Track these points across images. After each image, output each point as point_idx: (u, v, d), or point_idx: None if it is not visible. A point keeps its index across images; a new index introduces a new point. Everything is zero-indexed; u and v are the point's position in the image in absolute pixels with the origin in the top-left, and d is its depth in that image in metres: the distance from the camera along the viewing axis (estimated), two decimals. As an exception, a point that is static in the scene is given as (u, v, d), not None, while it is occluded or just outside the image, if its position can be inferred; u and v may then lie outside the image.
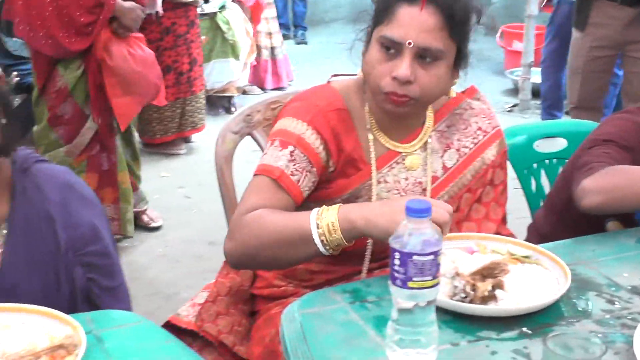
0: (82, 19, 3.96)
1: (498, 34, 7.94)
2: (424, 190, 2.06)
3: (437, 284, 1.43)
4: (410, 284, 1.41)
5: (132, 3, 4.08)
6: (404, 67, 1.86)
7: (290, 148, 1.94)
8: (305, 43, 9.66)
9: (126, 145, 4.46)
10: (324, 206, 1.80)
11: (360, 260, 2.04)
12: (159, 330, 1.62)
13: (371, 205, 1.82)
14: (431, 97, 1.96)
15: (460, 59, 1.97)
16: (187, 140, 6.01)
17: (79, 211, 1.78)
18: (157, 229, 4.70)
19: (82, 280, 1.76)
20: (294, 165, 1.93)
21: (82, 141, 4.20)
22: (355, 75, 2.07)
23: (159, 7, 5.00)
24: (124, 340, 1.55)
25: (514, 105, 6.97)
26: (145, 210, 4.71)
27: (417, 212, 1.40)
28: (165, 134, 5.80)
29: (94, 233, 1.79)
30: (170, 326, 2.16)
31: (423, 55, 1.88)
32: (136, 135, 4.58)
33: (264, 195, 1.90)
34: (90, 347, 1.45)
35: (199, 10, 5.88)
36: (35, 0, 3.92)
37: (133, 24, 4.08)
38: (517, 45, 7.51)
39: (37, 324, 1.53)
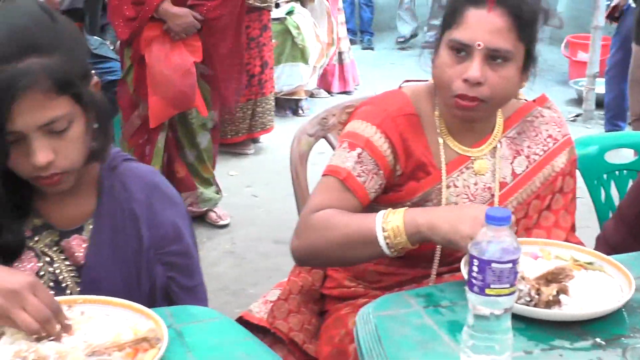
0: (127, 12, 4.06)
1: (563, 44, 7.83)
2: (493, 195, 2.04)
3: (514, 292, 1.41)
4: (487, 291, 1.39)
5: (184, 10, 4.09)
6: (474, 68, 1.85)
7: (358, 150, 1.94)
8: (372, 48, 9.63)
9: (191, 146, 4.49)
10: (390, 209, 1.80)
11: (429, 263, 2.02)
12: (236, 326, 1.62)
13: (437, 211, 1.82)
14: (501, 99, 1.95)
15: (529, 61, 1.95)
16: (255, 140, 6.03)
17: (162, 211, 1.78)
18: (224, 226, 4.71)
19: (162, 278, 1.77)
20: (361, 167, 1.93)
21: (130, 128, 4.26)
22: (427, 81, 2.06)
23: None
24: (203, 335, 1.55)
25: (577, 115, 6.87)
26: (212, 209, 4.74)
27: (497, 220, 1.38)
28: (236, 135, 5.83)
29: (176, 233, 1.79)
30: (242, 322, 2.16)
31: (493, 57, 1.87)
32: (204, 140, 4.54)
33: (330, 195, 1.91)
34: (171, 341, 1.45)
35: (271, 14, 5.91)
36: None
37: (179, 30, 4.09)
38: (581, 56, 7.40)
39: (121, 317, 1.54)
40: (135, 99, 4.25)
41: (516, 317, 1.50)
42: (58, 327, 1.46)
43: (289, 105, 6.81)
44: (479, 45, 1.84)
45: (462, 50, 1.88)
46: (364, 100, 2.10)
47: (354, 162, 1.93)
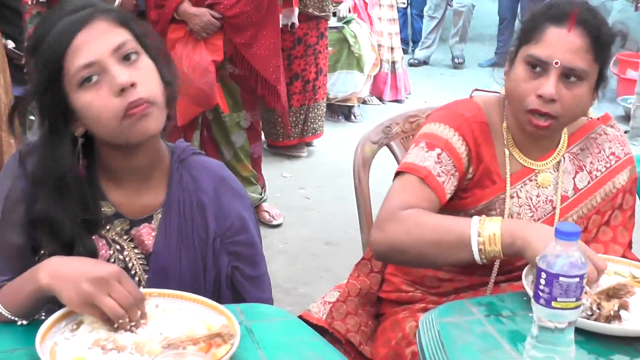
0: (152, 17, 4.12)
1: (612, 62, 7.72)
2: (554, 208, 2.02)
3: (579, 306, 1.40)
4: (554, 303, 1.38)
5: (201, 9, 4.09)
6: (549, 85, 1.84)
7: (437, 150, 1.93)
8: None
9: (226, 145, 4.51)
10: (484, 216, 1.78)
11: (488, 271, 2.01)
12: (304, 326, 1.62)
13: (531, 226, 1.79)
14: (572, 117, 1.94)
15: (600, 81, 1.94)
16: (308, 144, 6.04)
17: (229, 202, 1.80)
18: (277, 226, 4.72)
19: (227, 268, 1.78)
20: (440, 167, 1.92)
21: (167, 128, 4.27)
22: (497, 93, 2.05)
23: (295, 18, 5.04)
24: (273, 333, 1.55)
25: (625, 132, 6.76)
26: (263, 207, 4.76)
27: (566, 235, 1.37)
28: (288, 138, 5.85)
29: (241, 224, 1.81)
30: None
31: (567, 75, 1.86)
32: (239, 140, 4.53)
33: (412, 192, 1.90)
34: (242, 338, 1.45)
35: (329, 23, 5.92)
36: None
37: (199, 29, 4.10)
38: (631, 74, 7.30)
39: (194, 312, 1.55)
40: None
41: (576, 330, 1.48)
42: (138, 313, 1.49)
43: (341, 111, 6.82)
44: (556, 63, 1.84)
45: (538, 66, 1.87)
46: (438, 107, 2.09)
47: (433, 161, 1.92)
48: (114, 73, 1.57)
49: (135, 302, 1.48)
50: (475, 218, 1.77)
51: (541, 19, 1.90)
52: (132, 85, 1.58)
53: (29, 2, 4.04)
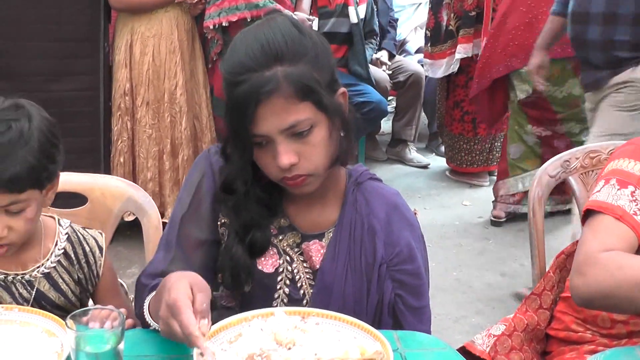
0: None
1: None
2: None
3: None
4: None
5: None
6: None
7: (631, 188, 1.79)
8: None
9: None
10: None
11: (671, 318, 1.85)
12: (460, 359, 1.55)
13: None
14: None
15: None
16: (491, 173, 5.90)
17: (399, 230, 1.76)
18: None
19: (390, 295, 1.74)
20: (636, 205, 1.78)
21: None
22: None
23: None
24: (428, 364, 1.50)
25: None
26: None
27: None
28: (471, 165, 5.75)
29: (410, 253, 1.76)
30: (463, 351, 2.08)
31: None
32: None
33: (609, 233, 1.75)
34: (395, 365, 1.40)
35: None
36: None
37: None
38: None
39: (350, 335, 1.51)
40: None
41: None
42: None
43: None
44: None
45: None
46: (626, 142, 1.96)
47: (627, 200, 1.78)
48: (278, 151, 1.58)
49: (184, 338, 1.38)
50: None
51: None
52: (293, 164, 1.59)
53: (210, 27, 4.21)
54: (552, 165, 2.24)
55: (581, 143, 4.16)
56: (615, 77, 3.44)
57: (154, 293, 1.58)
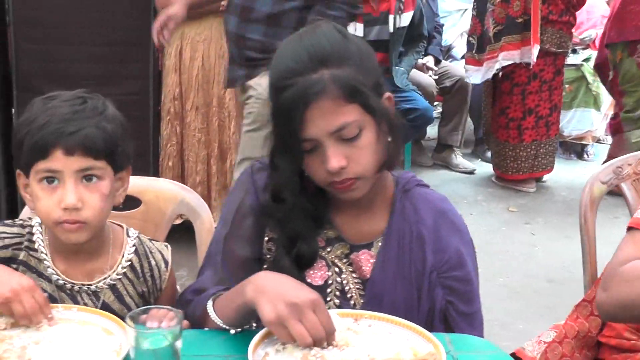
0: None
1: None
2: None
3: None
4: None
5: None
6: None
7: None
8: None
9: None
10: None
11: None
12: (512, 363, 1.55)
13: None
14: None
15: None
16: (538, 179, 5.86)
17: (448, 237, 1.75)
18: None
19: (441, 302, 1.73)
20: None
21: None
22: None
23: (533, 56, 4.94)
24: (481, 367, 1.50)
25: None
26: None
27: None
28: (517, 172, 5.72)
29: (459, 259, 1.75)
30: (514, 358, 2.07)
31: None
32: None
33: (637, 247, 1.74)
34: (448, 367, 1.41)
35: (567, 60, 5.75)
36: None
37: None
38: None
39: (402, 336, 1.52)
40: None
41: None
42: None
43: (574, 148, 6.59)
44: None
45: None
46: None
47: None
48: (327, 154, 1.59)
49: (325, 335, 1.45)
50: None
51: None
52: (343, 168, 1.59)
53: None
54: (604, 172, 2.22)
55: None
56: None
57: (217, 295, 1.63)
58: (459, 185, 5.95)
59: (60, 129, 1.61)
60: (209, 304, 1.61)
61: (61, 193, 1.62)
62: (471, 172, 6.19)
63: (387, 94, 1.69)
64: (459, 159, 6.29)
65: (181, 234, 2.78)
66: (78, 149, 1.61)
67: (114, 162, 1.69)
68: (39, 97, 1.72)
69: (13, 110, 4.08)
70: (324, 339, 1.45)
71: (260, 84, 3.33)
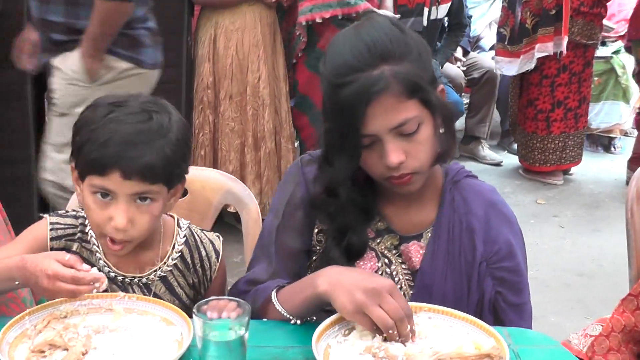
0: None
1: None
2: None
3: None
4: None
5: None
6: None
7: None
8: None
9: None
10: None
11: None
12: (572, 357, 1.55)
13: None
14: None
15: None
16: (565, 172, 5.84)
17: (498, 227, 1.76)
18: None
19: (490, 292, 1.74)
20: None
21: None
22: None
23: (563, 47, 4.90)
24: (539, 360, 1.49)
25: None
26: None
27: None
28: (544, 164, 5.69)
29: (509, 250, 1.76)
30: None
31: None
32: None
33: None
34: (510, 361, 1.41)
35: (596, 52, 5.71)
36: None
37: None
38: None
39: (463, 330, 1.53)
40: None
41: None
42: (407, 328, 1.47)
43: (601, 141, 6.55)
44: None
45: None
46: None
47: None
48: (387, 150, 1.59)
49: (405, 316, 1.46)
50: None
51: None
52: (402, 163, 1.59)
53: (302, 23, 4.22)
54: (651, 167, 2.22)
55: None
56: None
57: (281, 287, 1.64)
58: (486, 177, 5.92)
59: (120, 152, 1.57)
60: (273, 294, 1.62)
61: (113, 211, 1.61)
62: (498, 164, 6.17)
63: (441, 86, 1.69)
64: (486, 150, 6.27)
65: (223, 222, 2.77)
66: (136, 175, 1.59)
67: (170, 183, 1.68)
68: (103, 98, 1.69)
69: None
70: (405, 320, 1.46)
71: (65, 63, 3.10)
